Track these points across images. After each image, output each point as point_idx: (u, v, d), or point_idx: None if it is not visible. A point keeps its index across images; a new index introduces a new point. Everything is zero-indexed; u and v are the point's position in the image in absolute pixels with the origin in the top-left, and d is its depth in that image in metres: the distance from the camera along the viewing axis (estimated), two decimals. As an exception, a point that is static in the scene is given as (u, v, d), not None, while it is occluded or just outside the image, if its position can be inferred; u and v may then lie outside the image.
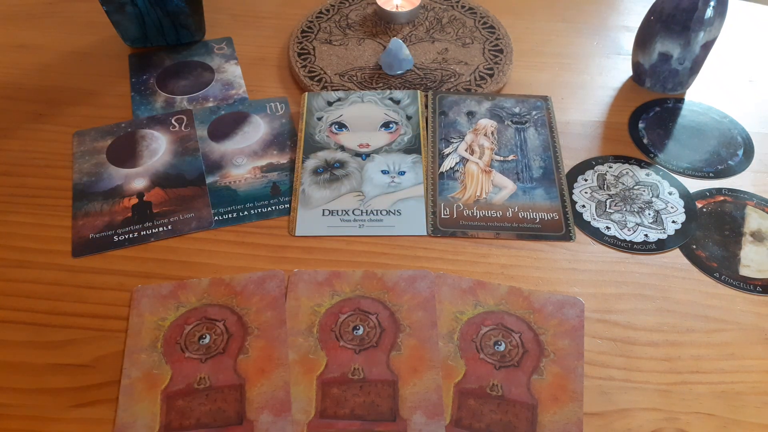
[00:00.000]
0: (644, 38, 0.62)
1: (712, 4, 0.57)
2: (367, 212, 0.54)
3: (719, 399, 0.44)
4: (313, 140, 0.59)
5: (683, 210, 0.55)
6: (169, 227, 0.53)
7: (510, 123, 0.61)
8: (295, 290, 0.49)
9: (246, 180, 0.57)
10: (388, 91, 0.63)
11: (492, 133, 0.60)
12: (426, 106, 0.63)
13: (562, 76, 0.67)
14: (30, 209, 0.55)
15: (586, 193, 0.56)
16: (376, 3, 0.72)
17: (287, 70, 0.68)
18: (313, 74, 0.66)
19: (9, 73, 0.67)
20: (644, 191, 0.56)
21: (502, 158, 0.58)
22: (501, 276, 0.50)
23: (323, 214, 0.54)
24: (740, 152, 0.60)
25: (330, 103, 0.62)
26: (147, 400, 0.43)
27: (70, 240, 0.53)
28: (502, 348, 0.46)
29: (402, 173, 0.57)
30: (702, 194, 0.56)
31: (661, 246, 0.52)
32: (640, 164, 0.58)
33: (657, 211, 0.55)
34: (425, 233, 0.53)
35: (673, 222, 0.54)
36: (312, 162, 0.58)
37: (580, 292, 0.49)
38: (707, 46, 0.61)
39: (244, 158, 0.59)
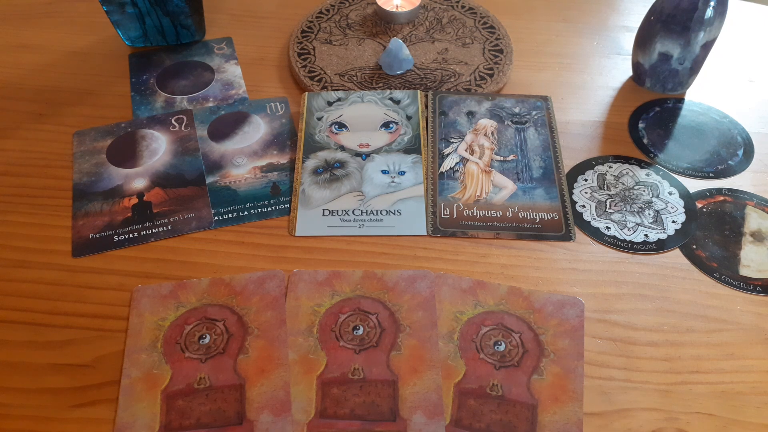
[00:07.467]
0: (644, 38, 0.62)
1: (712, 4, 0.57)
2: (367, 212, 0.54)
3: (719, 399, 0.44)
4: (313, 140, 0.59)
5: (683, 210, 0.55)
6: (169, 227, 0.53)
7: (510, 123, 0.61)
8: (295, 290, 0.49)
9: (246, 180, 0.57)
10: (388, 91, 0.63)
11: (492, 133, 0.60)
12: (426, 106, 0.63)
13: (562, 76, 0.67)
14: (30, 209, 0.55)
15: (586, 193, 0.56)
16: (376, 3, 0.72)
17: (287, 70, 0.68)
18: (313, 74, 0.66)
19: (9, 73, 0.67)
20: (644, 191, 0.56)
21: (502, 158, 0.58)
22: (501, 276, 0.50)
23: (323, 214, 0.54)
24: (740, 152, 0.60)
25: (330, 103, 0.62)
26: (147, 400, 0.43)
27: (70, 240, 0.53)
28: (502, 348, 0.46)
29: (402, 173, 0.57)
30: (702, 194, 0.56)
31: (661, 246, 0.52)
32: (640, 164, 0.58)
33: (657, 211, 0.55)
34: (425, 233, 0.53)
35: (673, 222, 0.54)
36: (312, 162, 0.58)
37: (580, 292, 0.49)
38: (707, 46, 0.61)
39: (244, 158, 0.59)
